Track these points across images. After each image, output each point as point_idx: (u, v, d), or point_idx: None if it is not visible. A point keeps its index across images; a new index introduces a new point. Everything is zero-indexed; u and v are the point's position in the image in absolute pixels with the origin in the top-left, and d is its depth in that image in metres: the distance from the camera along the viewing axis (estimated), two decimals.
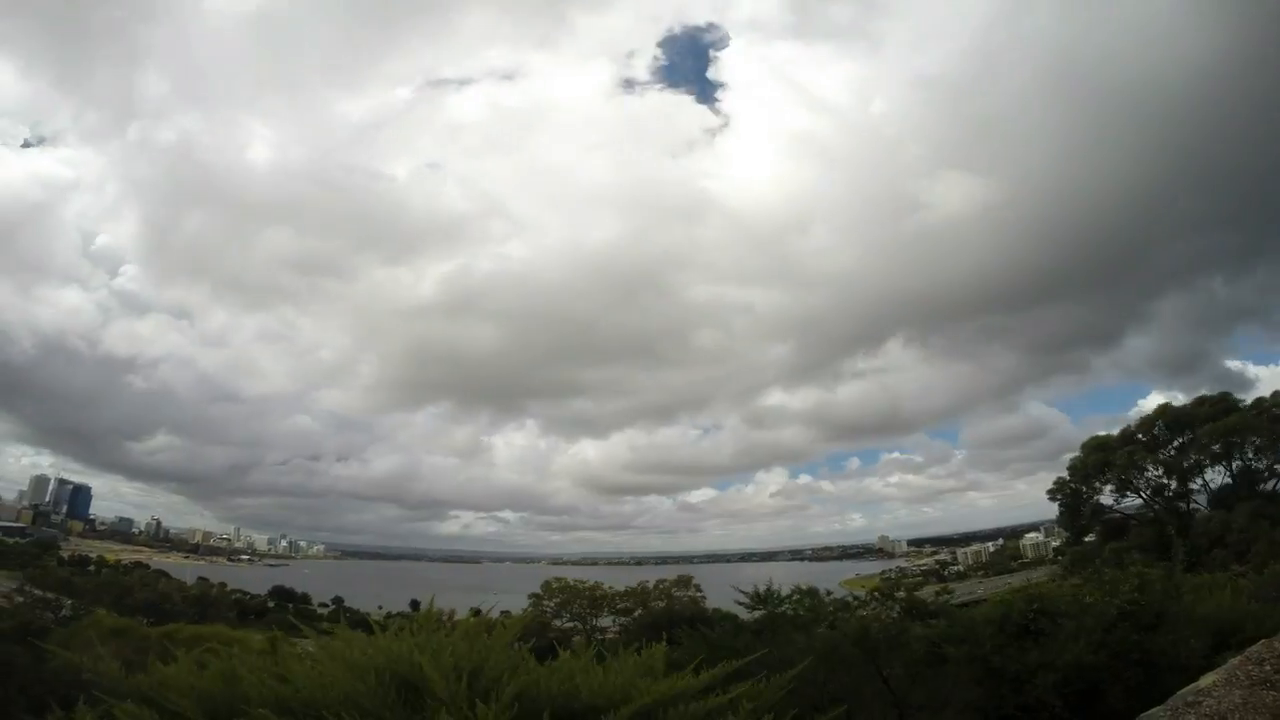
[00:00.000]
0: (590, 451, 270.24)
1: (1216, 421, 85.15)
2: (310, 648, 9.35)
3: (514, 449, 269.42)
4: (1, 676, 36.63)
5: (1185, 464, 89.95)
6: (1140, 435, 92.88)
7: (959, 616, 21.53)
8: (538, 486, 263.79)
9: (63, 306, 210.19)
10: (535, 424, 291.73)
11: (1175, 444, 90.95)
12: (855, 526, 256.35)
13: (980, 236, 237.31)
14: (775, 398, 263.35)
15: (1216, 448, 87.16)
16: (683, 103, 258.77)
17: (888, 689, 18.59)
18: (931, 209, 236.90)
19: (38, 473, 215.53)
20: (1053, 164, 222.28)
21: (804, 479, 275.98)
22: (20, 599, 71.22)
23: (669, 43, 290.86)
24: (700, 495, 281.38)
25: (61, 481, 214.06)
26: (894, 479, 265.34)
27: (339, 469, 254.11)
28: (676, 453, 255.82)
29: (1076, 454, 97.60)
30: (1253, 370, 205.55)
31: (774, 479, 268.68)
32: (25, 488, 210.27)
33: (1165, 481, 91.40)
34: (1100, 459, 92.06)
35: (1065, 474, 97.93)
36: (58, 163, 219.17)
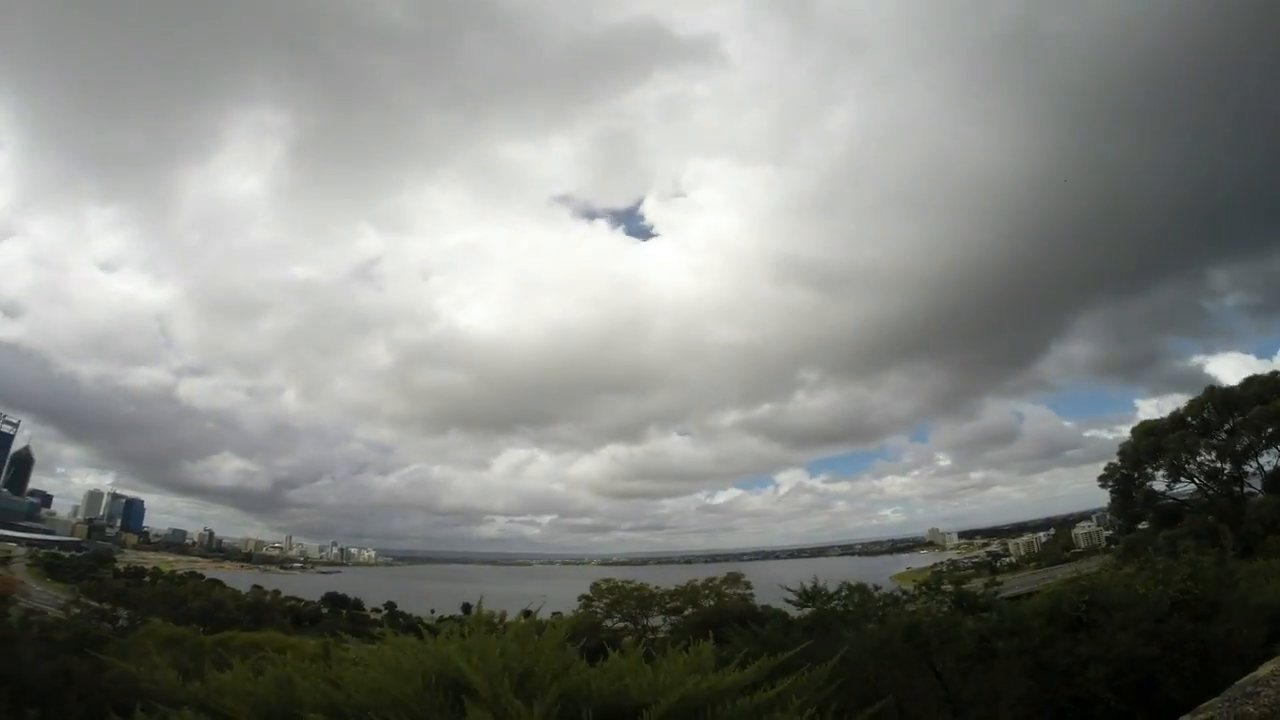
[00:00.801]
0: (593, 462, 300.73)
1: (1267, 404, 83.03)
2: (363, 653, 9.43)
3: (524, 463, 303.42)
4: (60, 686, 37.16)
5: (1238, 447, 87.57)
6: (1190, 419, 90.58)
7: (1009, 609, 21.25)
8: (558, 493, 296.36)
9: (146, 378, 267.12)
10: (534, 444, 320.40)
11: (1226, 427, 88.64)
12: (894, 521, 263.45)
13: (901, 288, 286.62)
14: (732, 416, 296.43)
15: (1270, 430, 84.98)
16: (616, 232, 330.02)
17: (940, 684, 18.43)
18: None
19: (91, 488, 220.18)
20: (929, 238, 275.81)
21: (822, 478, 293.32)
22: (77, 610, 72.14)
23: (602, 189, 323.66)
24: (727, 495, 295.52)
25: (115, 496, 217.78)
26: (901, 479, 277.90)
27: (379, 481, 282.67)
28: (663, 460, 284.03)
29: (1126, 440, 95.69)
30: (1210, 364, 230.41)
31: (791, 478, 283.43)
32: (80, 502, 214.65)
33: (1219, 466, 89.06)
34: (1151, 444, 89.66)
35: (1116, 459, 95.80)
36: (144, 285, 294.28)
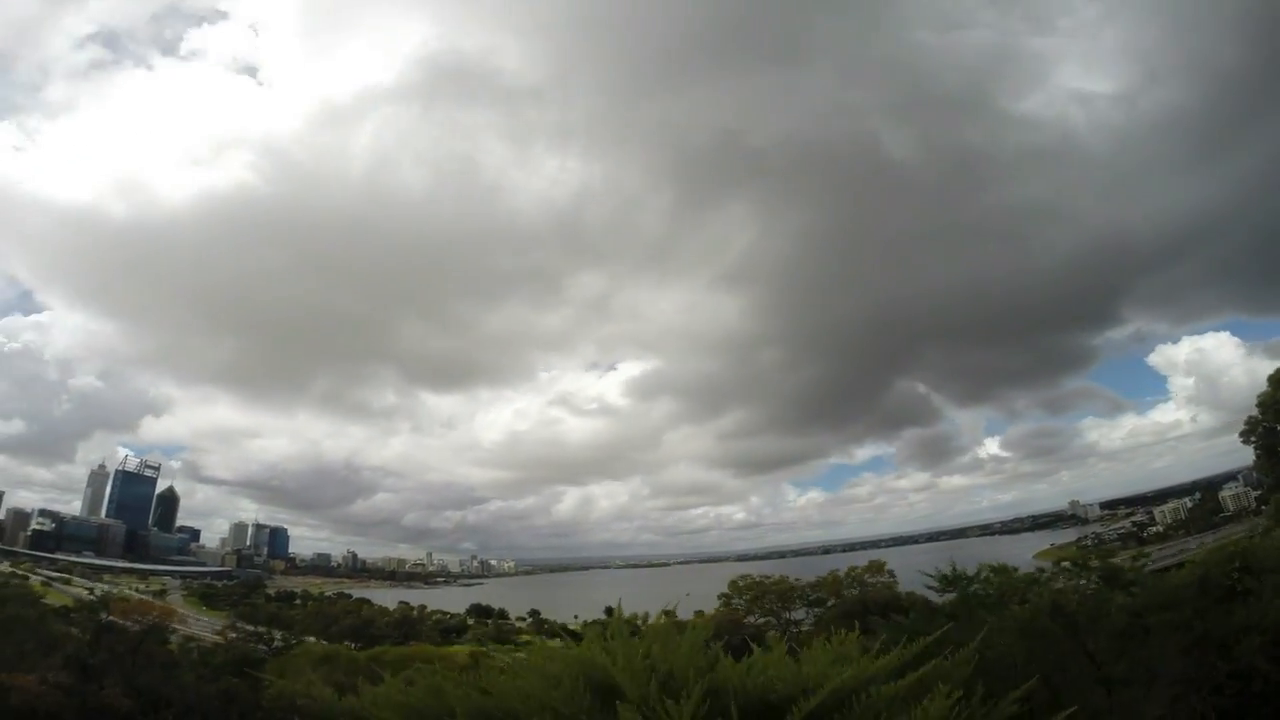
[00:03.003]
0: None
1: None
2: (510, 659, 9.62)
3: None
4: (222, 706, 38.72)
5: None
6: None
7: (1158, 583, 20.60)
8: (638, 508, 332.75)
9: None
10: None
11: None
12: (1006, 501, 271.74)
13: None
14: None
15: None
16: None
17: (1092, 663, 17.92)
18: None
19: (236, 519, 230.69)
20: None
21: (890, 475, 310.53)
22: (234, 635, 74.73)
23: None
24: (812, 494, 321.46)
25: (259, 526, 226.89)
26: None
27: (506, 507, 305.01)
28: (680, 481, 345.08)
29: (1264, 391, 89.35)
30: None
31: (866, 482, 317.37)
32: (226, 534, 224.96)
33: None
34: None
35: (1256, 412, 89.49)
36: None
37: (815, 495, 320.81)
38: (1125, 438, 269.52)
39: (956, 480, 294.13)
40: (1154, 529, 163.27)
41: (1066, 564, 27.95)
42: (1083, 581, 24.20)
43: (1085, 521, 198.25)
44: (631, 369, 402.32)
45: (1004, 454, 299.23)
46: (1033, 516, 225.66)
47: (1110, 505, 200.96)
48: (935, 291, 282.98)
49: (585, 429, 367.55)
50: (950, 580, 26.59)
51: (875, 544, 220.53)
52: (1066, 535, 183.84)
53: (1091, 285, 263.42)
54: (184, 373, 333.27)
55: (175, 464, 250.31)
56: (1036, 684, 8.20)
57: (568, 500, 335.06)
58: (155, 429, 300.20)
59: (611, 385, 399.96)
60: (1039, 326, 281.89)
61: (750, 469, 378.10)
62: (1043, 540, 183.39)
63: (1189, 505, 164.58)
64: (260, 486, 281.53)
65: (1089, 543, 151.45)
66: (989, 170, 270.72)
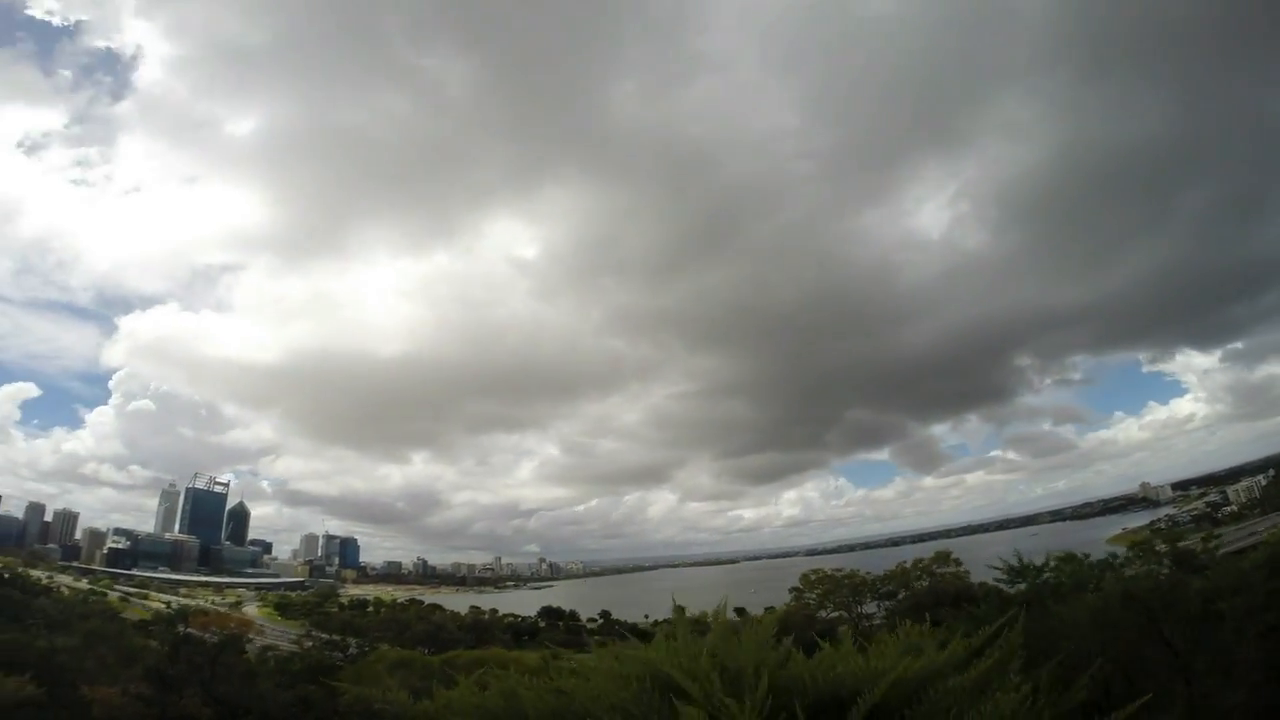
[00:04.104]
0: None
1: None
2: (580, 661, 9.74)
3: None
4: (299, 713, 39.34)
5: None
6: None
7: (1229, 566, 20.12)
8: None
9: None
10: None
11: None
12: (1064, 488, 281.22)
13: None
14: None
15: None
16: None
17: (1170, 651, 17.51)
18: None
19: (306, 531, 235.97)
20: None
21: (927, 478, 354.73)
22: (309, 643, 75.77)
23: None
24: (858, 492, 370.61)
25: (329, 537, 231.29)
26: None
27: (566, 514, 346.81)
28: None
29: None
30: None
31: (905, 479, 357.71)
32: (297, 546, 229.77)
33: None
34: None
35: None
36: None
37: (861, 492, 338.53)
38: (1143, 428, 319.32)
39: (980, 476, 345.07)
40: (1228, 509, 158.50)
41: (1139, 548, 27.62)
42: (1155, 566, 23.92)
43: (1157, 504, 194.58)
44: (642, 409, 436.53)
45: (1012, 456, 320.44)
46: (1103, 500, 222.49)
47: (1182, 486, 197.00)
48: (859, 360, 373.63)
49: (616, 449, 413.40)
50: (1019, 571, 26.37)
51: (945, 534, 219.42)
52: (1139, 518, 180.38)
53: (985, 344, 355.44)
54: (309, 432, 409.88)
55: (267, 486, 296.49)
56: (1106, 669, 8.11)
57: (620, 507, 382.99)
58: (274, 468, 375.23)
59: (633, 419, 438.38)
60: (945, 373, 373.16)
61: (754, 477, 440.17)
62: (1113, 524, 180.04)
63: (1262, 483, 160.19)
64: (344, 504, 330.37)
65: (1162, 526, 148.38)
66: (880, 281, 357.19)
